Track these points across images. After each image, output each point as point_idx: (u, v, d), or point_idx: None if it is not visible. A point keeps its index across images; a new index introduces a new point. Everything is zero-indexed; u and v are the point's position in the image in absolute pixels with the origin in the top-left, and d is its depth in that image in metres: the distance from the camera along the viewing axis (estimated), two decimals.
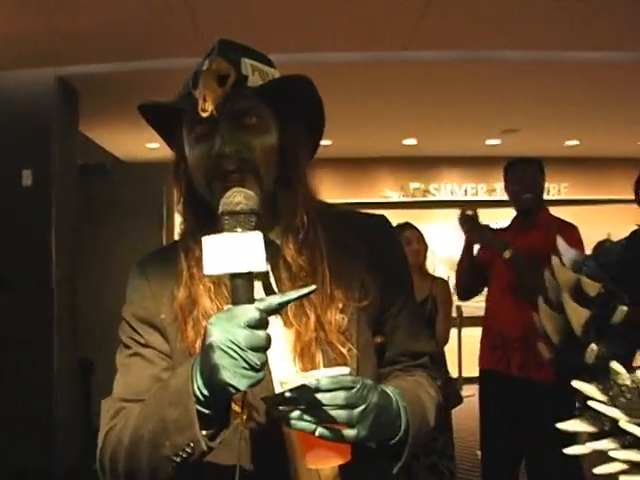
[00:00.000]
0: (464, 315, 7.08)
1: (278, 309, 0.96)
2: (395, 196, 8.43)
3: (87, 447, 4.50)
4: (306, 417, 0.95)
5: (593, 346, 0.81)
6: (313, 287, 0.99)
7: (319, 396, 0.96)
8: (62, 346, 4.75)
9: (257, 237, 0.95)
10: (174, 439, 0.97)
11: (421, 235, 4.11)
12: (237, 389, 0.91)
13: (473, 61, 4.73)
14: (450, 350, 4.37)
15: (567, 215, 3.35)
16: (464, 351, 6.99)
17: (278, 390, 1.05)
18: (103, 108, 5.75)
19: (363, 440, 1.00)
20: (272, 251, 0.99)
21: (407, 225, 4.06)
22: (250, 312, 0.92)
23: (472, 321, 6.53)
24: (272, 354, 0.98)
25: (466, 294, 3.70)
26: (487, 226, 3.40)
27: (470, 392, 5.47)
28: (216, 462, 1.06)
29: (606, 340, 0.81)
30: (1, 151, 4.71)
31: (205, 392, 0.95)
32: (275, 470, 1.11)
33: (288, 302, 0.97)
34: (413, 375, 1.27)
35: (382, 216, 1.37)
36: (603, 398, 0.79)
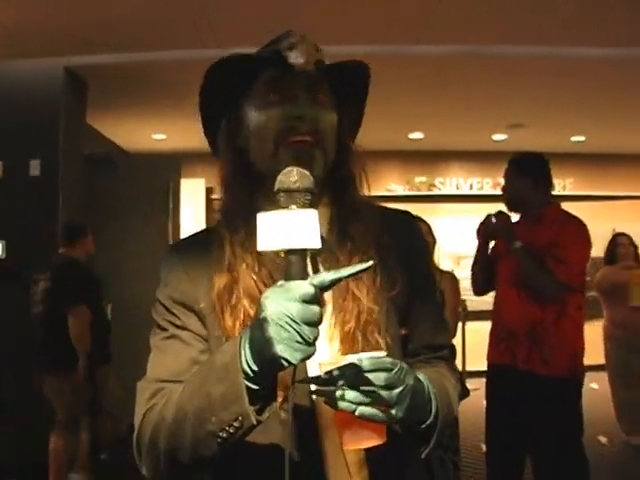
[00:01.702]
0: (469, 309, 7.08)
1: (331, 285, 0.96)
2: (400, 190, 8.43)
3: (94, 438, 4.51)
4: (347, 397, 0.96)
5: None
6: (370, 263, 0.98)
7: (361, 376, 0.97)
8: None
9: (313, 215, 0.97)
10: (220, 414, 0.98)
11: (429, 228, 4.11)
12: (289, 362, 0.91)
13: (480, 56, 4.74)
14: (455, 344, 4.36)
15: (571, 211, 3.34)
16: (468, 345, 7.00)
17: (312, 371, 1.07)
18: (110, 99, 5.75)
19: (400, 421, 1.02)
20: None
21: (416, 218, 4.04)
22: (304, 287, 0.92)
23: (476, 315, 6.54)
24: None
25: (484, 290, 3.63)
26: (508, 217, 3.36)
27: (474, 386, 5.49)
28: (249, 441, 1.06)
29: None
30: (9, 141, 4.73)
31: (254, 366, 0.96)
32: (304, 451, 1.12)
33: (341, 279, 0.96)
34: (435, 366, 1.30)
35: (408, 212, 1.41)
36: None
